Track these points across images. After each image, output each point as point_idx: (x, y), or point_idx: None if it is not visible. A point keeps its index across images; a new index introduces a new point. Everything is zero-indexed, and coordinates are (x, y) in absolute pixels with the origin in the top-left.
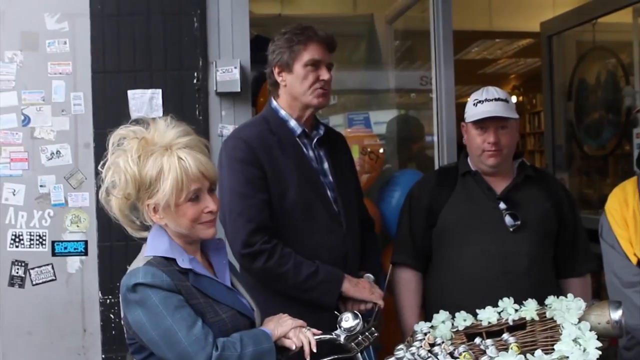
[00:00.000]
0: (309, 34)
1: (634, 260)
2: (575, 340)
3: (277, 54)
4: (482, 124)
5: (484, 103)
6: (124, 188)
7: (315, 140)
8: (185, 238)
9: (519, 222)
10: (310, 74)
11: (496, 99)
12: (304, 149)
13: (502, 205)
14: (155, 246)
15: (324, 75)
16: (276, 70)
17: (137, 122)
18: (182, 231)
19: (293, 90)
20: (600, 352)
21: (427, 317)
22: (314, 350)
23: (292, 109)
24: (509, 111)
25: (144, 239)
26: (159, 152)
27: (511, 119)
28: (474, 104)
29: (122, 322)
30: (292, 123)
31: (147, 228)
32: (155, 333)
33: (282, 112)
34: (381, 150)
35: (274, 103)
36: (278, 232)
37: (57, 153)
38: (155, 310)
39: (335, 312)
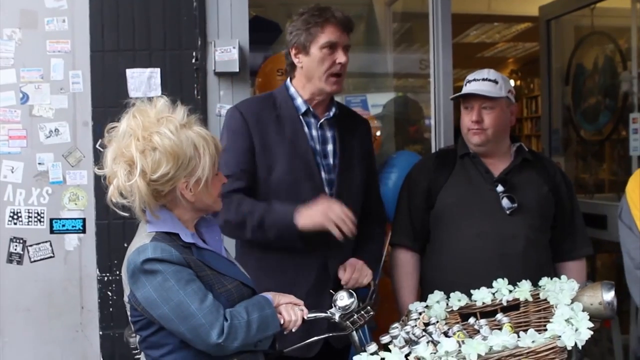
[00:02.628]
0: (326, 15)
1: None
2: (567, 321)
3: (295, 35)
4: (468, 103)
5: (472, 82)
6: (162, 167)
7: (324, 120)
8: (197, 213)
9: (515, 205)
10: (327, 56)
11: (484, 79)
12: (306, 128)
13: (499, 188)
14: (157, 222)
15: (341, 58)
16: (293, 52)
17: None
18: (209, 205)
19: (309, 72)
20: (592, 332)
21: (424, 298)
22: (293, 329)
23: (305, 91)
24: (495, 91)
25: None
26: (182, 129)
27: (499, 100)
28: (465, 84)
29: (127, 300)
30: (299, 101)
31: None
32: (167, 307)
33: (292, 90)
34: (378, 133)
35: (287, 81)
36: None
37: (55, 131)
38: (167, 284)
39: (331, 291)
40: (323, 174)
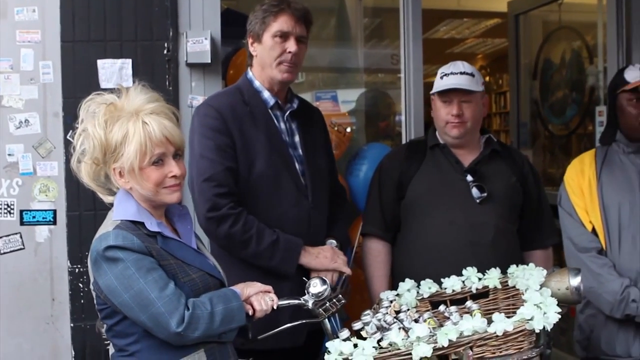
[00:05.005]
0: (282, 6)
1: (589, 228)
2: (536, 305)
3: (252, 24)
4: (446, 96)
5: (449, 76)
6: (91, 153)
7: (288, 113)
8: (151, 202)
9: (485, 194)
10: (277, 45)
11: (462, 73)
12: (275, 121)
13: (469, 178)
14: (123, 210)
15: (291, 47)
16: (250, 41)
17: (112, 90)
18: (147, 195)
19: (262, 60)
20: (559, 317)
21: (395, 287)
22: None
23: (263, 80)
24: (474, 84)
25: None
26: (125, 118)
27: (476, 93)
28: (440, 77)
29: (92, 288)
30: (266, 94)
31: (115, 194)
32: (128, 295)
33: (257, 83)
34: (348, 130)
35: (250, 73)
36: (244, 202)
37: (25, 122)
38: (128, 272)
39: (304, 279)
40: (297, 165)
